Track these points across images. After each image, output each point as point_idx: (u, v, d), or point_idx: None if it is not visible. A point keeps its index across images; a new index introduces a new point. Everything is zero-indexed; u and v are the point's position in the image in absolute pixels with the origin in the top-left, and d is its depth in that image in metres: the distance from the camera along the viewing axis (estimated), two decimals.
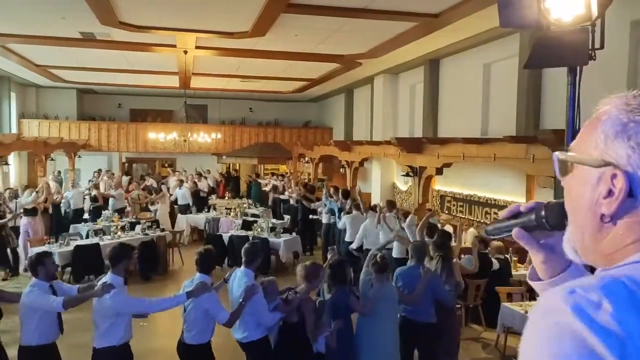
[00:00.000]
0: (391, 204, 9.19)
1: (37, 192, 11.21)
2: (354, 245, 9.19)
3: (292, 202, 14.46)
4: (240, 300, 4.29)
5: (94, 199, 13.42)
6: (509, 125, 9.18)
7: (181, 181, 15.44)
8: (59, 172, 18.08)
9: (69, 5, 8.37)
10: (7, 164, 13.47)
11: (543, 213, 0.93)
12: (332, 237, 10.86)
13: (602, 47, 3.43)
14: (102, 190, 14.17)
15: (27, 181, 16.87)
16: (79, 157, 18.59)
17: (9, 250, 9.90)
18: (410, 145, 9.47)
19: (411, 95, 13.98)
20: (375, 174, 15.28)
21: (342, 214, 10.24)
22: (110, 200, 13.30)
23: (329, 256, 4.96)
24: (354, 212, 9.83)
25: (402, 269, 5.59)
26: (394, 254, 8.15)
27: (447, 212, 11.86)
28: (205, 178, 17.38)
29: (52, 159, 17.05)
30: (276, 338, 4.56)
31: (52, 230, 11.84)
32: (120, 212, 12.90)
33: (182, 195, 14.58)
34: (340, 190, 11.38)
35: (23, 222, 10.62)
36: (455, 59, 11.66)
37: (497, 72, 10.41)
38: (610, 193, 0.78)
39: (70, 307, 4.19)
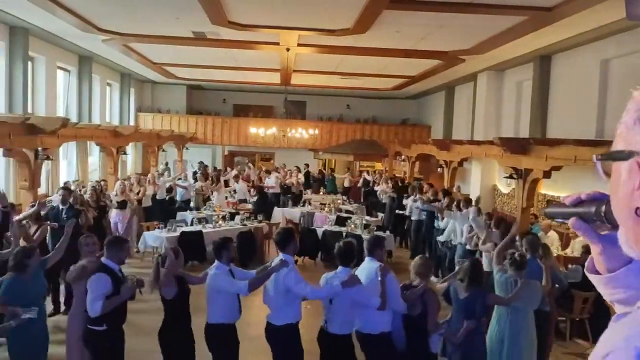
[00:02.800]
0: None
1: (123, 183, 11.38)
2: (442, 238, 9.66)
3: (382, 198, 14.58)
4: (378, 279, 4.39)
5: (169, 190, 13.71)
6: None
7: (237, 176, 15.72)
8: (167, 162, 19.34)
9: (184, 7, 8.89)
10: (125, 153, 14.59)
11: (603, 208, 0.85)
12: (424, 234, 11.07)
13: None
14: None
15: (141, 170, 18.22)
16: (187, 149, 19.75)
17: None
18: (516, 146, 8.98)
19: (517, 93, 13.30)
20: (475, 175, 14.74)
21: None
22: (179, 191, 13.71)
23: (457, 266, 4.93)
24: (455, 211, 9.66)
25: None
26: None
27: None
28: (300, 172, 17.74)
29: (163, 150, 18.31)
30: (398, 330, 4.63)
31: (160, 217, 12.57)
32: (187, 202, 13.50)
33: (240, 189, 14.82)
34: (435, 190, 11.42)
35: (112, 214, 10.70)
36: (568, 55, 10.91)
37: (616, 69, 9.59)
38: None
39: (253, 289, 4.52)
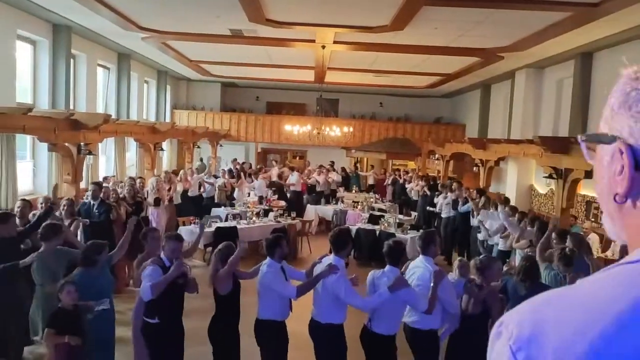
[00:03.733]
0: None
1: (158, 179, 11.35)
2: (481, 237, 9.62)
3: (412, 195, 14.76)
4: (431, 284, 4.37)
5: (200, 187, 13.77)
6: None
7: (256, 173, 15.65)
8: (201, 159, 19.60)
9: (223, 5, 8.98)
10: (162, 149, 14.86)
11: None
12: (452, 231, 11.37)
13: None
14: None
15: (176, 166, 18.52)
16: (221, 145, 19.99)
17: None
18: (556, 145, 8.79)
19: (557, 92, 12.99)
20: (511, 175, 14.47)
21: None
22: (207, 187, 13.78)
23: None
24: (491, 210, 9.77)
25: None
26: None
27: (592, 219, 10.88)
28: (335, 171, 17.76)
29: (198, 147, 18.58)
30: (455, 329, 4.64)
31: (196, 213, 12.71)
32: (211, 199, 13.57)
33: (259, 186, 14.71)
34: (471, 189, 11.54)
35: (150, 212, 10.61)
36: (612, 52, 10.60)
37: None
38: (622, 170, 0.71)
39: (301, 295, 4.49)
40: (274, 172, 16.90)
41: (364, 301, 4.45)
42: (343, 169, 18.94)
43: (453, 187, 12.04)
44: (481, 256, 5.00)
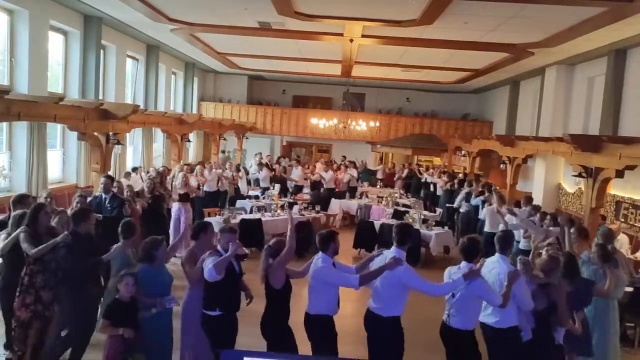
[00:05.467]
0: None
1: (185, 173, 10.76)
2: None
3: (438, 191, 14.82)
4: (505, 283, 4.45)
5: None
6: None
7: (260, 164, 15.27)
8: (222, 151, 19.71)
9: None
10: (189, 141, 15.02)
11: None
12: (466, 224, 11.64)
13: None
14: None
15: (202, 157, 18.71)
16: (247, 138, 20.11)
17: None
18: (587, 143, 8.58)
19: (589, 89, 12.70)
20: (539, 173, 14.23)
21: (486, 204, 10.54)
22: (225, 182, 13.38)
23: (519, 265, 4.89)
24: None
25: None
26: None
27: (622, 220, 10.63)
28: (356, 167, 17.61)
29: (224, 139, 18.73)
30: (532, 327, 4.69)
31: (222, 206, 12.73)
32: (225, 193, 13.26)
33: (264, 178, 14.41)
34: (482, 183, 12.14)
35: (175, 207, 9.84)
36: None
37: None
38: None
39: (363, 284, 4.52)
40: (318, 167, 16.65)
41: (437, 287, 4.55)
42: (344, 158, 18.78)
43: (470, 181, 12.61)
44: (549, 254, 5.07)
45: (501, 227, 9.12)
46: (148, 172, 11.31)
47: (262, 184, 14.39)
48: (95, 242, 5.32)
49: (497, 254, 4.84)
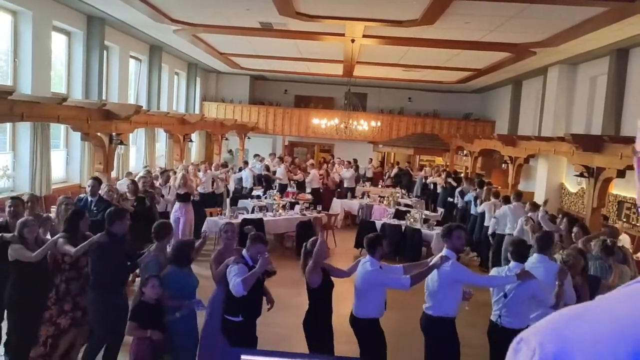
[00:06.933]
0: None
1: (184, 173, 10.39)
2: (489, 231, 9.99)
3: (437, 189, 14.99)
4: (557, 282, 4.49)
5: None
6: None
7: (246, 163, 15.28)
8: (230, 150, 19.77)
9: None
10: (191, 141, 15.05)
11: None
12: (461, 220, 11.87)
13: None
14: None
15: (205, 157, 18.75)
16: (249, 138, 20.14)
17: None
18: (588, 143, 8.59)
19: (591, 89, 12.69)
20: (541, 173, 14.22)
21: (477, 201, 11.07)
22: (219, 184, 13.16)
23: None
24: (492, 199, 10.39)
25: None
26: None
27: (624, 220, 10.63)
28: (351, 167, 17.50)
29: (226, 139, 18.76)
30: None
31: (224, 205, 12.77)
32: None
33: (246, 177, 14.36)
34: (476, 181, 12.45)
35: (175, 208, 9.74)
36: None
37: None
38: None
39: (414, 284, 4.61)
40: (337, 169, 16.57)
41: (489, 278, 4.66)
42: (332, 157, 18.73)
43: (461, 179, 13.30)
44: (571, 250, 5.19)
45: (493, 222, 9.75)
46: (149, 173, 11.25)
47: (245, 184, 14.40)
48: (130, 244, 5.19)
49: (536, 254, 4.92)
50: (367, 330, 4.70)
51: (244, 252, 4.66)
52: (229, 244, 5.05)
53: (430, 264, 4.62)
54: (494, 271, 4.90)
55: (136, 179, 8.92)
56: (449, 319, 4.60)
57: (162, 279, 4.43)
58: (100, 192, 7.32)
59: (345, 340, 5.03)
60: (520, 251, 4.74)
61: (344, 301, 5.10)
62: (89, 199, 7.19)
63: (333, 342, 4.77)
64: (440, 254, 4.68)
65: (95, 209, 6.97)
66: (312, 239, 4.91)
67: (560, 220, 8.14)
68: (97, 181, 7.47)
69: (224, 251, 4.91)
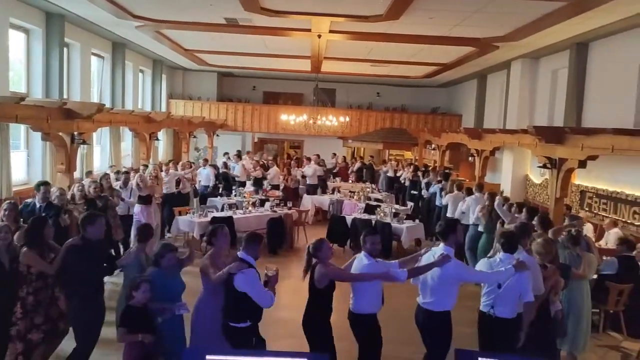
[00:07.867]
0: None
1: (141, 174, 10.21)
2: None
3: (405, 182, 15.30)
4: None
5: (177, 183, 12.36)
6: None
7: (205, 160, 15.10)
8: (197, 148, 19.48)
9: None
10: (157, 139, 14.79)
11: None
12: (427, 211, 12.55)
13: None
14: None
15: (172, 156, 18.47)
16: (217, 135, 19.93)
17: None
18: (550, 135, 8.79)
19: (552, 82, 12.99)
20: (507, 165, 14.51)
21: (442, 192, 11.45)
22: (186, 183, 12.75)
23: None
24: (455, 191, 10.71)
25: None
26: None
27: (587, 209, 10.94)
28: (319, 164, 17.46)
29: (194, 137, 18.51)
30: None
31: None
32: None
33: (206, 175, 14.11)
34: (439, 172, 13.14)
35: (136, 210, 9.55)
36: (607, 42, 10.61)
37: None
38: None
39: (411, 277, 4.70)
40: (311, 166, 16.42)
41: (490, 275, 4.71)
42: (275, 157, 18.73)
43: (427, 171, 13.92)
44: (542, 238, 5.30)
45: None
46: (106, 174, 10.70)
47: (203, 182, 14.07)
48: (106, 247, 5.10)
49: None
50: (363, 326, 4.73)
51: (240, 254, 4.53)
52: (222, 245, 4.90)
53: (431, 262, 4.66)
54: (483, 262, 4.99)
55: (97, 180, 8.71)
56: (448, 312, 4.73)
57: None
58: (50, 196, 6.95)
59: (345, 339, 5.03)
60: (511, 242, 4.86)
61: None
62: (37, 204, 6.81)
63: (333, 342, 4.77)
64: (440, 252, 4.73)
65: (44, 214, 6.43)
66: (314, 241, 4.83)
67: (515, 209, 8.50)
68: (48, 186, 7.07)
69: (216, 253, 4.79)
